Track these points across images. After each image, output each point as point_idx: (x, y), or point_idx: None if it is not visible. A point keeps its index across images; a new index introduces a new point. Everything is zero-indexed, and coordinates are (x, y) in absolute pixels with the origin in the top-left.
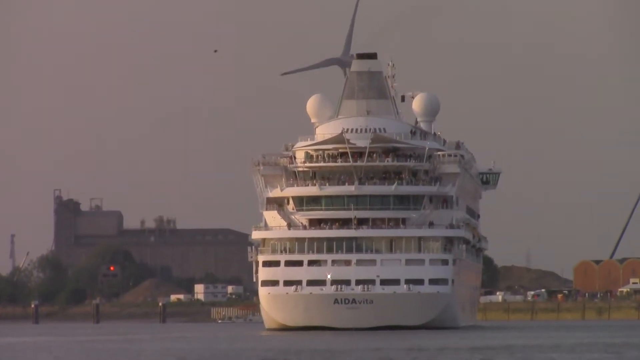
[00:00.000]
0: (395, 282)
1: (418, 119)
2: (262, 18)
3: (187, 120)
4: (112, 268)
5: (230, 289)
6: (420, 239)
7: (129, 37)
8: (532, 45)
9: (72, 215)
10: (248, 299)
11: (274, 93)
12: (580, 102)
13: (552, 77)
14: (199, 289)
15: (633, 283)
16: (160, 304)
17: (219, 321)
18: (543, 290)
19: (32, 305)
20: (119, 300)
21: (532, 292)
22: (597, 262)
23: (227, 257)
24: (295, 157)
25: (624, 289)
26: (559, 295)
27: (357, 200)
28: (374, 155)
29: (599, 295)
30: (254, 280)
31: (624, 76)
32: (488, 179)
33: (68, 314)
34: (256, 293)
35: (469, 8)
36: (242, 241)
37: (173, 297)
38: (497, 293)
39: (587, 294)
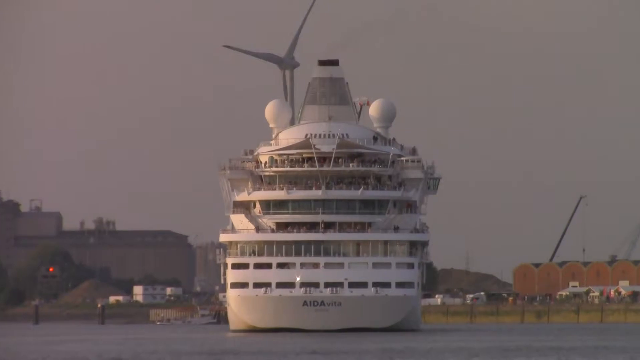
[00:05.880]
0: (363, 285)
1: (375, 125)
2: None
3: (126, 123)
4: (51, 269)
5: (169, 290)
6: (386, 242)
7: (86, 43)
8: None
9: (12, 216)
10: (187, 301)
11: (220, 97)
12: (521, 104)
13: (491, 79)
14: (138, 291)
15: (572, 286)
16: (99, 305)
17: (158, 323)
18: (482, 293)
19: None
20: (58, 301)
21: (471, 296)
22: (537, 265)
23: (166, 258)
24: (260, 162)
25: (564, 293)
26: (510, 299)
27: (323, 205)
28: (340, 160)
29: (538, 299)
30: (222, 282)
31: (571, 79)
32: (429, 184)
33: (7, 315)
34: (194, 295)
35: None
36: (181, 243)
37: (112, 299)
38: (436, 296)
39: (526, 297)
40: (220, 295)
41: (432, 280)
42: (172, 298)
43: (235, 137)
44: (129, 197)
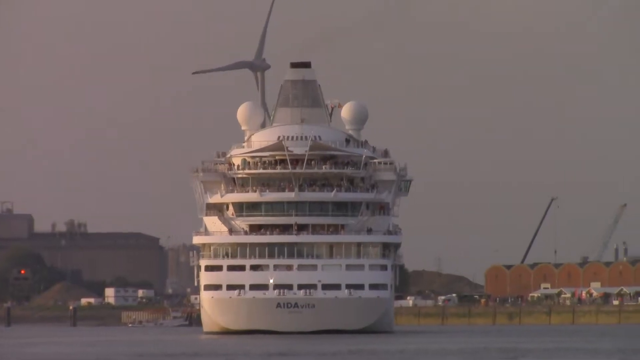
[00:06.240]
0: (337, 286)
1: (347, 127)
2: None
3: (98, 125)
4: (23, 271)
5: (140, 292)
6: (359, 244)
7: (44, 40)
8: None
9: None
10: (158, 303)
11: (191, 99)
12: (492, 105)
13: (463, 81)
14: (110, 293)
15: (544, 288)
16: (70, 307)
17: (130, 325)
18: (454, 295)
19: None
20: (30, 303)
21: (443, 297)
22: (508, 267)
23: (138, 261)
24: (233, 164)
25: (535, 294)
26: (481, 300)
27: (296, 207)
28: (312, 162)
29: (510, 300)
30: (195, 284)
31: (532, 81)
32: (400, 186)
33: None
34: (166, 297)
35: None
36: (153, 245)
37: (84, 301)
38: (408, 298)
39: (498, 299)
40: (192, 297)
41: (404, 282)
42: (144, 300)
43: (207, 139)
44: (100, 199)
